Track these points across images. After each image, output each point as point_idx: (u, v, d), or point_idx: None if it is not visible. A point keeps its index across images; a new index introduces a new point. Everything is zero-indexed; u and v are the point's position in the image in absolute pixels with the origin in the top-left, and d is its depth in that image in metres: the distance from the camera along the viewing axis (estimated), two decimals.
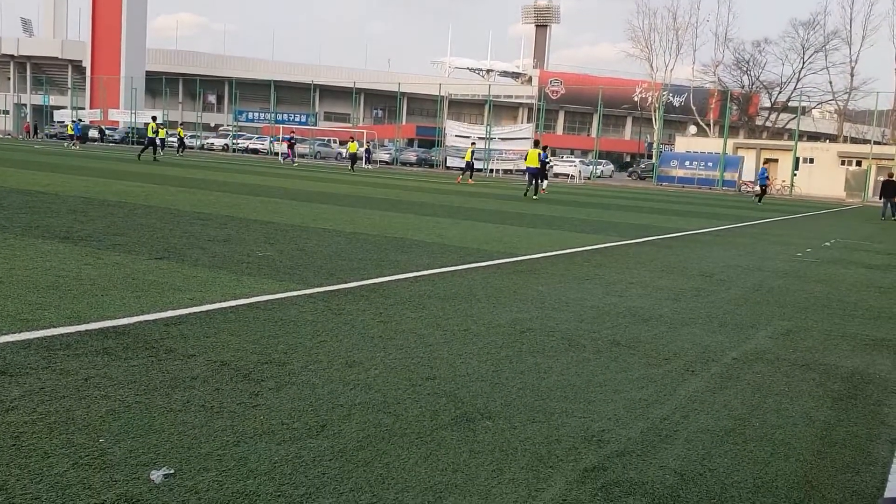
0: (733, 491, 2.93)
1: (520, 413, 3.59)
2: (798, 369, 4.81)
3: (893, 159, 46.42)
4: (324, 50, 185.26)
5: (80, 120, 53.05)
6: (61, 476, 2.61)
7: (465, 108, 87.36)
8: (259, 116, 67.81)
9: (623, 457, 3.16)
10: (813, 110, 76.08)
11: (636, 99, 79.81)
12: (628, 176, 62.95)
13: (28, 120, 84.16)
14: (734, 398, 4.10)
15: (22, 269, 6.08)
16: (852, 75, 63.99)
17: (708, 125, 70.48)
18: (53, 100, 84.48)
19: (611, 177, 62.29)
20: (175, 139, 46.97)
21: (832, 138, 69.23)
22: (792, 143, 51.00)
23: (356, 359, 4.27)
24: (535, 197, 24.00)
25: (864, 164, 47.72)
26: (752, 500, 2.87)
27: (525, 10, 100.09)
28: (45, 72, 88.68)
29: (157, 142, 33.40)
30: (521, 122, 76.95)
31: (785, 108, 70.06)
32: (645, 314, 6.16)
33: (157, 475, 2.67)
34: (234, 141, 65.37)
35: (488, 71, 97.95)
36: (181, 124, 65.47)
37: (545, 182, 28.63)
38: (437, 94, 67.64)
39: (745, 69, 70.50)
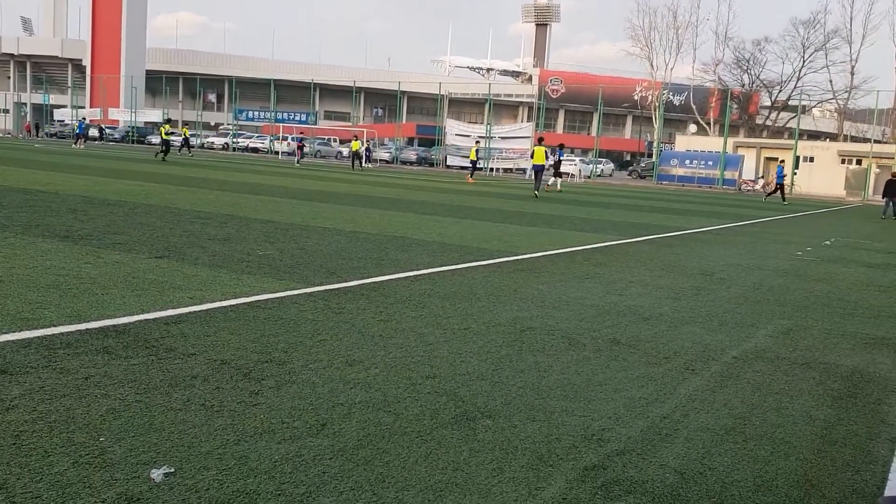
0: (733, 489, 2.93)
1: (520, 412, 3.59)
2: (798, 368, 4.81)
3: (894, 158, 46.43)
4: (324, 49, 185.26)
5: (84, 119, 53.05)
6: (61, 475, 2.61)
7: (465, 106, 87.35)
8: (259, 115, 67.81)
9: (623, 455, 3.16)
10: (813, 109, 76.06)
11: (636, 98, 79.79)
12: (628, 175, 62.93)
13: (28, 119, 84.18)
14: (734, 397, 4.10)
15: (22, 268, 6.08)
16: (852, 74, 64.02)
17: (708, 124, 70.46)
18: (53, 99, 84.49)
19: (611, 175, 62.28)
20: (180, 139, 47.07)
21: (832, 137, 69.22)
22: (792, 141, 50.99)
23: (356, 357, 4.27)
24: (536, 194, 24.19)
25: (865, 163, 47.70)
26: (752, 498, 2.87)
27: (525, 8, 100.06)
28: (45, 71, 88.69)
29: (170, 142, 34.09)
30: (522, 121, 76.92)
31: (785, 107, 70.06)
32: (645, 313, 6.16)
33: (157, 474, 2.67)
34: (234, 140, 65.35)
35: (488, 70, 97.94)
36: (185, 124, 65.42)
37: (559, 180, 28.86)
38: (437, 92, 67.62)
39: (745, 68, 70.55)
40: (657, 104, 63.87)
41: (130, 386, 3.54)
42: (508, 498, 2.71)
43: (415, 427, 3.30)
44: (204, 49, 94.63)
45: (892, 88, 58.64)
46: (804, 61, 67.43)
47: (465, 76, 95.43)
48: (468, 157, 52.73)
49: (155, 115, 71.51)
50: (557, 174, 29.41)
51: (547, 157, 25.64)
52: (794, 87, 67.79)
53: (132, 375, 3.69)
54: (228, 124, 72.05)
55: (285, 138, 60.42)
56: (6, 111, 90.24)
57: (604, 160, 64.16)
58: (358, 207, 14.70)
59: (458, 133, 54.28)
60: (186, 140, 46.11)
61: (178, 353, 4.09)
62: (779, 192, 33.68)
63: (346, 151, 62.86)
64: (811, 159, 51.10)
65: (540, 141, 26.60)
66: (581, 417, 3.58)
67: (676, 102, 79.23)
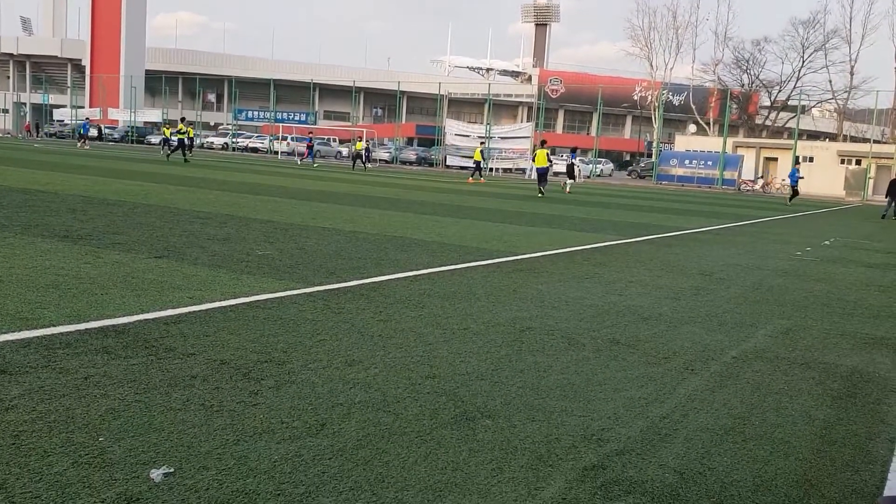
0: (733, 489, 2.93)
1: (519, 412, 3.59)
2: (798, 368, 4.81)
3: (893, 158, 46.44)
4: (323, 49, 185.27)
5: (87, 119, 53.09)
6: (61, 475, 2.61)
7: (465, 106, 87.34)
8: (258, 115, 67.80)
9: (623, 455, 3.16)
10: (812, 109, 76.08)
11: (636, 98, 79.83)
12: (628, 175, 62.95)
13: (28, 119, 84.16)
14: (734, 397, 4.10)
15: (21, 268, 6.08)
16: (852, 74, 64.07)
17: (707, 124, 70.47)
18: (53, 99, 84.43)
19: (610, 175, 62.29)
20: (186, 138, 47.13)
21: (832, 137, 69.23)
22: (791, 141, 51.00)
23: (356, 357, 4.27)
24: (542, 193, 24.40)
25: (864, 163, 47.71)
26: (751, 498, 2.87)
27: (525, 8, 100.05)
28: (44, 70, 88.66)
29: (174, 142, 34.27)
30: (521, 121, 76.92)
31: (784, 107, 70.08)
32: (644, 313, 6.16)
33: (156, 474, 2.67)
34: (234, 140, 65.35)
35: (488, 70, 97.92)
36: (190, 124, 65.25)
37: (570, 182, 29.02)
38: (437, 92, 67.60)
39: (744, 68, 70.57)
40: (657, 104, 63.88)
41: (130, 386, 3.54)
42: (508, 498, 2.71)
43: (414, 427, 3.30)
44: (203, 49, 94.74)
45: (891, 88, 58.68)
46: (804, 61, 67.52)
47: (464, 76, 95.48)
48: (468, 156, 53.02)
49: (154, 115, 71.52)
50: (571, 176, 29.60)
51: (549, 160, 25.87)
52: (794, 87, 67.87)
53: (131, 375, 3.69)
54: (228, 124, 72.02)
55: (284, 138, 60.41)
56: (6, 111, 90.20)
57: (603, 160, 64.17)
58: (357, 207, 14.70)
59: (458, 133, 54.28)
60: (191, 140, 46.14)
61: (177, 353, 4.09)
62: (793, 192, 33.28)
63: (345, 151, 62.94)
64: (811, 159, 51.10)
65: (542, 143, 26.74)
66: (580, 417, 3.58)
67: (676, 102, 79.25)
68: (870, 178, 46.27)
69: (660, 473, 3.01)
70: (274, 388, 3.65)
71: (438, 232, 11.21)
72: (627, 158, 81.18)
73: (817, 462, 3.28)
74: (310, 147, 44.77)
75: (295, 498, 2.58)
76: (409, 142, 71.63)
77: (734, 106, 65.52)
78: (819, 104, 73.57)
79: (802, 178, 34.47)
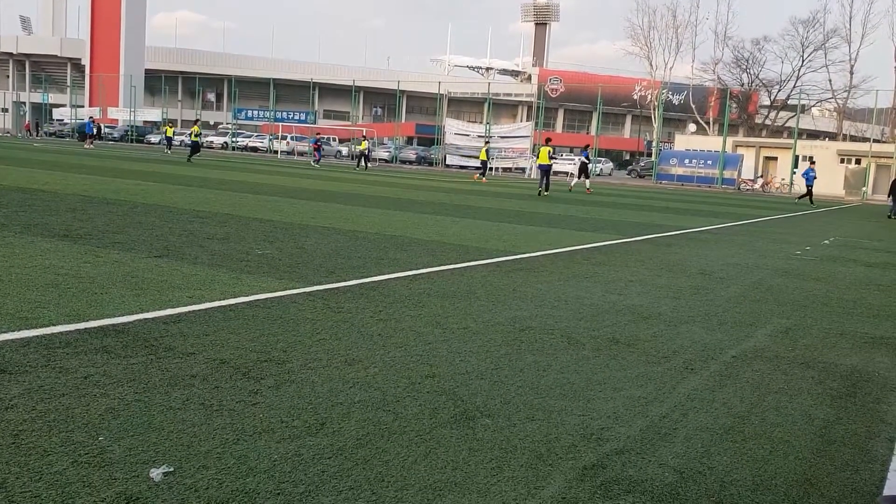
0: (732, 489, 2.93)
1: (519, 411, 3.59)
2: (797, 367, 4.81)
3: (893, 157, 46.45)
4: (323, 48, 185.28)
5: (92, 119, 53.17)
6: (61, 474, 2.61)
7: (465, 106, 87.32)
8: (258, 114, 67.77)
9: (622, 455, 3.16)
10: (812, 108, 76.07)
11: (636, 97, 79.79)
12: (627, 174, 62.95)
13: (27, 118, 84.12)
14: (733, 396, 4.10)
15: (21, 268, 6.08)
16: (852, 73, 64.04)
17: (707, 123, 70.47)
18: (52, 98, 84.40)
19: (610, 175, 62.28)
20: (187, 138, 47.27)
21: (831, 136, 69.24)
22: (791, 141, 51.01)
23: (355, 357, 4.27)
24: (546, 193, 24.55)
25: (864, 163, 47.72)
26: (751, 497, 2.87)
27: (524, 7, 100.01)
28: (44, 70, 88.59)
29: (190, 144, 34.47)
30: (521, 120, 76.92)
31: (784, 107, 70.05)
32: (644, 312, 6.16)
33: (156, 473, 2.67)
34: (234, 139, 65.34)
35: (488, 69, 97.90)
36: (195, 122, 65.18)
37: (579, 181, 29.08)
38: (437, 92, 67.56)
39: (744, 67, 70.50)
40: (656, 103, 63.88)
41: (129, 385, 3.54)
42: (508, 497, 2.71)
43: (414, 426, 3.30)
44: (203, 48, 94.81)
45: (891, 88, 58.65)
46: (803, 60, 67.47)
47: (464, 75, 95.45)
48: (468, 156, 53.02)
49: (154, 115, 71.50)
50: (585, 175, 29.66)
51: (552, 158, 26.00)
52: (794, 87, 67.81)
53: (131, 375, 3.69)
54: (227, 123, 72.00)
55: (284, 137, 60.39)
56: (5, 110, 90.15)
57: (603, 159, 64.15)
58: (357, 207, 14.70)
59: (458, 132, 54.27)
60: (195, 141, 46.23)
61: (177, 353, 4.09)
62: (808, 193, 32.49)
63: (345, 150, 62.92)
64: (810, 159, 51.10)
65: (547, 141, 26.88)
66: (580, 416, 3.58)
67: (676, 102, 79.24)
68: (879, 167, 46.15)
69: (659, 473, 3.01)
70: (273, 388, 3.65)
71: (438, 231, 11.21)
72: (627, 158, 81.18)
73: (817, 461, 3.28)
74: (317, 147, 44.64)
75: (295, 497, 2.58)
76: (409, 141, 71.62)
77: (734, 105, 65.51)
78: (819, 103, 73.57)
79: (815, 177, 33.37)
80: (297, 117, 66.08)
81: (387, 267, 7.47)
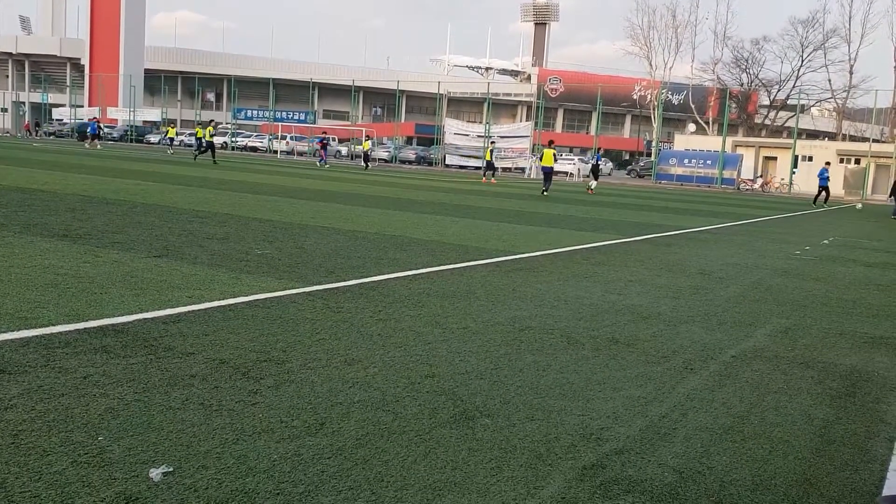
0: (732, 489, 2.93)
1: (518, 411, 3.59)
2: (797, 367, 4.81)
3: (892, 157, 46.45)
4: (323, 48, 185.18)
5: (97, 119, 53.23)
6: (60, 474, 2.61)
7: (465, 105, 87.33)
8: (258, 114, 67.76)
9: (622, 455, 3.16)
10: (812, 108, 76.08)
11: (635, 97, 79.79)
12: (627, 174, 62.95)
13: (27, 118, 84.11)
14: (733, 396, 4.10)
15: (20, 268, 6.08)
16: (851, 73, 64.04)
17: (707, 123, 70.47)
18: (52, 98, 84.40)
19: (610, 175, 62.27)
20: (194, 138, 47.43)
21: (831, 136, 69.25)
22: (791, 141, 51.01)
23: (355, 357, 4.27)
24: (545, 193, 24.73)
25: (863, 163, 47.72)
26: (751, 497, 2.87)
27: (524, 7, 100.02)
28: (43, 70, 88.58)
29: (204, 143, 34.76)
30: (521, 120, 76.94)
31: (784, 106, 70.06)
32: (644, 312, 6.16)
33: (156, 473, 2.66)
34: (233, 139, 65.34)
35: (487, 69, 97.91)
36: (201, 123, 65.08)
37: (594, 182, 29.33)
38: (436, 91, 67.58)
39: (744, 67, 70.50)
40: (656, 103, 63.90)
41: (129, 385, 3.54)
42: (507, 497, 2.71)
43: (413, 426, 3.30)
44: (203, 48, 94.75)
45: (890, 88, 58.68)
46: (803, 60, 67.47)
47: (464, 75, 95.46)
48: (468, 156, 53.02)
49: (153, 115, 71.50)
50: (595, 177, 29.90)
51: (555, 160, 26.39)
52: (793, 87, 67.81)
53: (131, 375, 3.69)
54: (227, 123, 72.01)
55: (284, 137, 60.40)
56: (5, 110, 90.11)
57: (603, 159, 64.12)
58: (356, 207, 14.70)
59: (457, 132, 54.27)
60: (200, 141, 46.34)
61: (176, 353, 4.09)
62: (823, 194, 31.46)
63: (345, 150, 62.89)
64: (810, 159, 51.10)
65: (550, 143, 27.17)
66: (580, 416, 3.58)
67: (675, 102, 79.26)
68: (879, 167, 45.93)
69: (659, 472, 3.01)
70: (273, 388, 3.65)
71: (438, 231, 11.21)
72: (627, 157, 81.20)
73: (816, 461, 3.28)
74: (324, 147, 44.61)
75: (294, 497, 2.58)
76: (409, 141, 71.60)
77: (733, 105, 65.52)
78: (818, 103, 73.57)
79: (829, 178, 32.08)
80: (296, 117, 66.10)
81: (386, 267, 7.47)
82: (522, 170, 49.62)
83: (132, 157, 34.35)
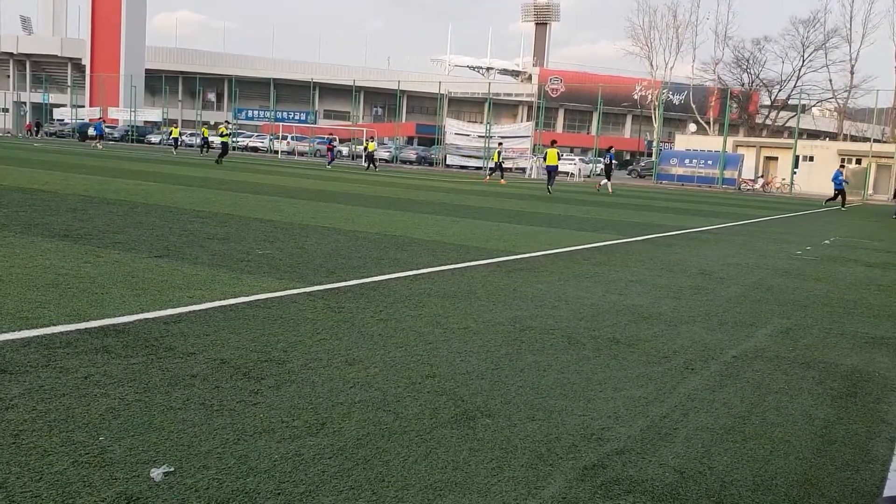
0: (733, 489, 2.93)
1: (519, 411, 3.59)
2: (798, 367, 4.81)
3: (893, 157, 46.43)
4: (323, 48, 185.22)
5: (102, 119, 53.32)
6: (61, 474, 2.61)
7: (465, 106, 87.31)
8: (258, 114, 67.77)
9: (623, 455, 3.16)
10: (813, 108, 76.05)
11: (636, 97, 79.81)
12: (628, 174, 62.92)
13: (28, 118, 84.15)
14: (734, 396, 4.10)
15: (21, 268, 6.08)
16: (852, 73, 64.04)
17: (708, 123, 70.45)
18: (53, 98, 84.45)
19: (599, 174, 62.18)
20: (200, 139, 47.74)
21: (832, 136, 69.22)
22: (792, 141, 50.99)
23: (356, 357, 4.27)
24: (549, 191, 25.24)
25: (864, 163, 47.69)
26: (751, 497, 2.87)
27: (525, 7, 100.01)
28: (44, 70, 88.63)
29: (219, 144, 34.89)
30: (521, 120, 76.92)
31: (785, 106, 70.03)
32: (644, 312, 6.16)
33: (157, 473, 2.67)
34: (234, 139, 65.31)
35: (488, 69, 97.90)
36: (205, 123, 65.08)
37: (609, 182, 29.53)
38: (437, 91, 67.58)
39: (744, 67, 70.49)
40: (657, 103, 63.88)
41: (130, 385, 3.54)
42: (508, 497, 2.71)
43: (414, 426, 3.30)
44: (203, 48, 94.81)
45: (891, 87, 58.63)
46: (804, 60, 67.45)
47: (464, 75, 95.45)
48: (468, 156, 53.03)
49: (154, 115, 71.52)
50: (608, 177, 30.10)
51: (559, 159, 26.80)
52: (794, 87, 67.81)
53: (132, 375, 3.69)
54: (228, 123, 71.98)
55: (284, 137, 60.41)
56: (6, 110, 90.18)
57: (603, 159, 64.12)
58: (357, 207, 14.70)
59: (458, 132, 54.27)
60: (206, 140, 46.62)
61: (177, 353, 4.09)
62: (839, 197, 30.99)
63: (345, 150, 62.88)
64: (811, 159, 51.10)
65: (553, 143, 27.42)
66: (580, 416, 3.58)
67: (676, 102, 79.24)
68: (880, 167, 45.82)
69: (660, 473, 3.01)
70: (274, 388, 3.65)
71: (438, 231, 11.21)
72: (628, 158, 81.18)
73: (817, 461, 3.28)
74: (330, 148, 44.58)
75: (295, 497, 2.58)
76: (409, 141, 71.61)
77: (734, 105, 65.51)
78: (819, 103, 73.55)
79: (847, 181, 31.26)
80: (297, 117, 66.09)
81: (387, 267, 7.47)
82: (523, 170, 49.60)
83: (133, 157, 34.36)
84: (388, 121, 79.12)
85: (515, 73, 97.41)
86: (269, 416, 3.28)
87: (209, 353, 4.13)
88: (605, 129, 73.30)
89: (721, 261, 10.00)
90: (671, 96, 76.67)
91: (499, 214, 15.36)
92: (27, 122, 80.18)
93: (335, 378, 3.86)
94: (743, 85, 70.68)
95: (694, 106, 71.52)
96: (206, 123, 62.87)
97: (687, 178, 49.47)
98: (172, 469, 2.71)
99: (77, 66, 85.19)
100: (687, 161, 50.62)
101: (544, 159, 28.36)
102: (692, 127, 68.63)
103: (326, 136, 48.77)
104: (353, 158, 58.02)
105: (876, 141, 53.01)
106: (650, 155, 63.39)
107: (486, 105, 60.39)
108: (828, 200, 31.60)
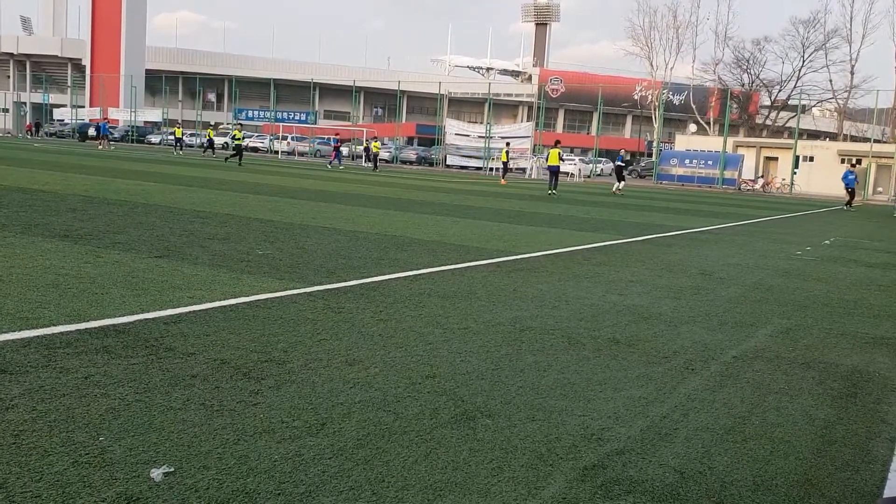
0: (733, 489, 2.93)
1: (519, 411, 3.59)
2: (798, 367, 4.81)
3: (893, 157, 46.42)
4: (323, 48, 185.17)
5: (107, 119, 53.38)
6: (61, 474, 2.61)
7: (465, 106, 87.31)
8: (259, 114, 67.78)
9: (623, 455, 3.16)
10: (813, 108, 76.05)
11: (636, 97, 79.78)
12: (628, 174, 62.83)
13: (28, 118, 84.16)
14: (734, 396, 4.10)
15: (22, 268, 6.08)
16: (852, 73, 64.04)
17: (708, 123, 70.44)
18: (53, 98, 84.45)
19: (610, 175, 62.22)
20: (205, 140, 47.93)
21: (832, 137, 69.21)
22: (792, 141, 51.00)
23: (356, 357, 4.27)
24: (551, 193, 25.21)
25: (864, 163, 47.69)
26: (751, 498, 2.87)
27: (525, 8, 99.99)
28: (44, 70, 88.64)
29: (234, 147, 34.97)
30: (521, 121, 76.91)
31: (785, 107, 70.03)
32: (645, 312, 6.16)
33: (157, 473, 2.67)
34: (234, 139, 65.25)
35: (488, 69, 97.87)
36: (210, 125, 65.02)
37: (622, 183, 29.72)
38: (437, 92, 67.59)
39: (745, 67, 70.50)
40: (657, 104, 63.88)
41: (130, 385, 3.54)
42: (508, 497, 2.71)
43: (414, 426, 3.30)
44: (204, 48, 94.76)
45: (891, 88, 58.63)
46: (804, 61, 67.46)
47: (464, 76, 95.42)
48: (468, 156, 53.04)
49: (154, 115, 71.53)
50: (621, 178, 30.21)
51: (561, 159, 27.08)
52: (794, 87, 67.82)
53: (132, 375, 3.69)
54: (228, 123, 72.03)
55: (285, 138, 60.42)
56: (6, 110, 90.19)
57: (603, 159, 64.17)
58: (357, 207, 14.70)
59: (458, 133, 54.27)
60: (211, 141, 46.75)
61: (177, 353, 4.09)
62: (850, 197, 30.36)
63: (346, 150, 62.87)
64: (811, 159, 51.12)
65: (556, 143, 27.63)
66: (581, 417, 3.58)
67: (676, 102, 79.20)
68: (880, 168, 45.88)
69: (660, 473, 3.01)
70: (274, 388, 3.65)
71: (438, 231, 11.21)
72: (628, 158, 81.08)
73: (817, 462, 3.28)
74: (336, 149, 44.56)
75: (295, 497, 2.58)
76: (409, 141, 71.61)
77: (734, 105, 65.51)
78: (819, 104, 73.55)
79: (856, 180, 30.61)
80: (297, 117, 66.10)
81: (387, 267, 7.47)
82: (523, 170, 49.61)
83: (133, 157, 34.36)
84: (388, 121, 79.13)
85: (515, 74, 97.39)
86: (269, 417, 3.28)
87: (209, 353, 4.13)
88: (605, 130, 73.28)
89: (721, 261, 10.00)
90: (671, 96, 76.65)
91: (499, 214, 15.36)
92: (27, 123, 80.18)
93: (335, 378, 3.86)
94: (743, 85, 70.69)
95: (694, 106, 71.52)
96: (211, 125, 62.91)
97: (687, 179, 49.49)
98: (172, 469, 2.71)
99: (77, 66, 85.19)
100: (687, 161, 50.64)
101: (546, 160, 28.53)
102: (692, 127, 68.64)
103: (333, 137, 48.75)
104: (353, 158, 57.99)
105: (876, 141, 53.00)
106: (650, 155, 63.38)
107: (486, 105, 60.39)
108: (847, 204, 30.81)
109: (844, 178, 31.02)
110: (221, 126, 77.41)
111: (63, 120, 75.21)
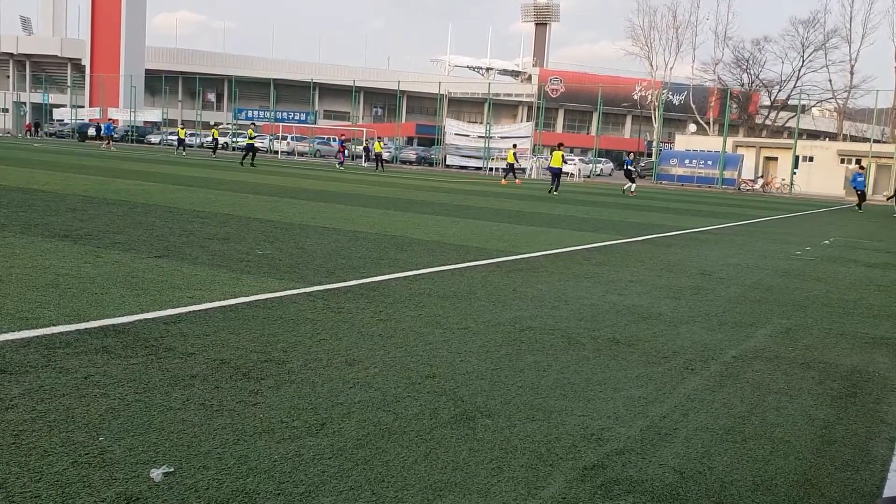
0: (733, 489, 2.93)
1: (519, 411, 3.59)
2: (797, 367, 4.81)
3: (893, 157, 46.43)
4: (323, 48, 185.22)
5: (111, 120, 53.44)
6: (61, 474, 2.61)
7: (465, 106, 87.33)
8: (258, 115, 67.79)
9: (622, 455, 3.16)
10: (812, 108, 76.07)
11: (636, 97, 79.79)
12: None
13: (28, 118, 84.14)
14: (734, 396, 4.10)
15: (21, 268, 6.08)
16: (852, 73, 64.06)
17: (707, 123, 70.46)
18: (53, 98, 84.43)
19: (610, 175, 62.26)
20: (210, 140, 48.09)
21: (832, 137, 69.23)
22: (791, 141, 50.99)
23: (356, 357, 4.27)
24: (556, 193, 25.44)
25: (864, 163, 47.69)
26: (751, 498, 2.87)
27: (525, 8, 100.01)
28: (44, 70, 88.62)
29: (245, 147, 35.19)
30: (521, 121, 76.91)
31: (784, 107, 70.04)
32: (644, 312, 6.16)
33: (156, 473, 2.67)
34: (234, 139, 65.34)
35: (488, 69, 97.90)
36: (214, 125, 65.03)
37: (634, 185, 29.93)
38: (437, 92, 67.60)
39: (744, 67, 70.51)
40: (657, 104, 63.88)
41: (130, 385, 3.54)
42: (508, 497, 2.71)
43: (414, 426, 3.30)
44: (203, 48, 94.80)
45: (891, 88, 58.60)
46: (804, 61, 67.48)
47: (464, 76, 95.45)
48: (468, 156, 53.02)
49: (154, 115, 71.53)
50: (631, 179, 30.44)
51: (564, 161, 27.35)
52: (794, 87, 67.84)
53: (131, 375, 3.69)
54: (228, 123, 72.03)
55: (284, 138, 60.44)
56: (5, 110, 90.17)
57: (603, 159, 64.20)
58: (357, 207, 14.70)
59: (458, 133, 54.27)
60: (216, 142, 46.82)
61: (177, 353, 4.09)
62: (859, 198, 30.01)
63: (348, 150, 62.91)
64: (811, 159, 51.12)
65: (560, 146, 27.90)
66: (580, 417, 3.58)
67: (676, 102, 79.24)
68: (879, 168, 45.96)
69: (660, 473, 3.01)
70: (274, 388, 3.65)
71: (438, 231, 11.21)
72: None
73: (817, 462, 3.28)
74: (343, 150, 44.54)
75: (295, 497, 2.58)
76: (409, 141, 71.62)
77: (734, 105, 65.51)
78: (819, 104, 73.57)
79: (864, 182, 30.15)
80: (297, 117, 66.12)
81: (387, 267, 7.47)
82: (523, 170, 49.61)
83: (133, 157, 34.35)
84: (388, 121, 79.12)
85: (515, 74, 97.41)
86: (269, 417, 3.28)
87: (209, 353, 4.13)
88: (605, 130, 73.32)
89: (721, 261, 10.00)
90: (671, 96, 76.68)
91: (499, 214, 15.36)
92: (27, 123, 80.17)
93: (335, 378, 3.86)
94: (743, 85, 70.69)
95: (694, 106, 71.54)
96: (215, 125, 62.95)
97: (687, 179, 49.48)
98: (172, 469, 2.71)
99: (77, 66, 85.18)
100: (687, 161, 50.63)
101: (549, 160, 28.72)
102: (692, 127, 68.66)
103: (339, 138, 48.78)
104: (352, 158, 57.99)
105: (876, 141, 53.02)
106: (650, 155, 63.38)
107: (486, 105, 60.39)
108: (857, 205, 30.52)
109: (853, 180, 30.70)
110: (222, 126, 77.55)
111: (63, 120, 75.21)
